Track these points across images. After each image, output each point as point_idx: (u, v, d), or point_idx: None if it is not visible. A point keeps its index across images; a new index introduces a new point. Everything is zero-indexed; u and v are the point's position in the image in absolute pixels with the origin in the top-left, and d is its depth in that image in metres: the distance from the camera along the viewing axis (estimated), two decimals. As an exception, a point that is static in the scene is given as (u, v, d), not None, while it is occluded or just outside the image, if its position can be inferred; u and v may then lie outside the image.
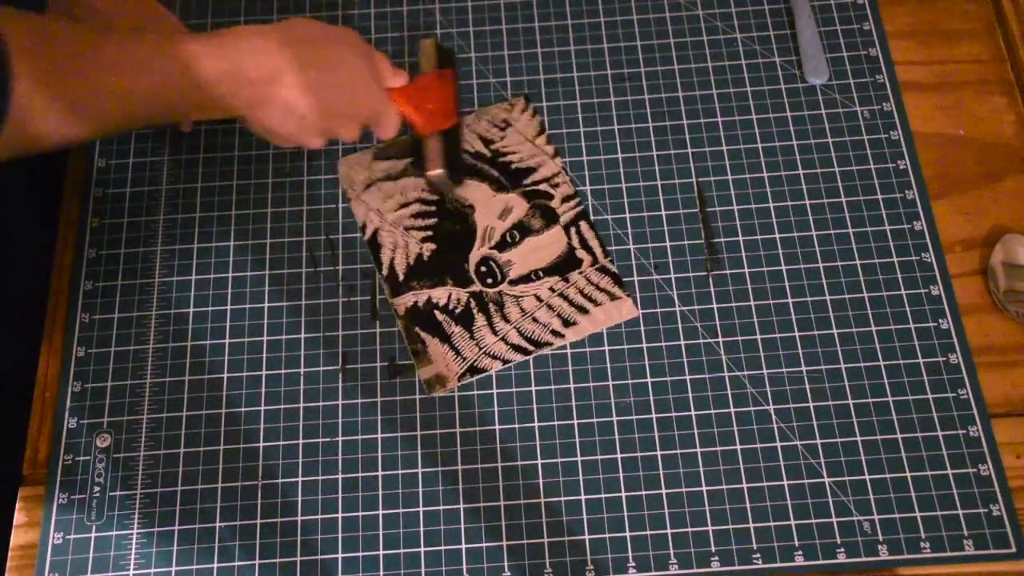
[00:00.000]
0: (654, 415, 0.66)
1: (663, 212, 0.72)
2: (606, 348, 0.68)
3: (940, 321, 0.68)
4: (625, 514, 0.63)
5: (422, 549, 0.63)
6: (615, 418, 0.66)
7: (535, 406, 0.66)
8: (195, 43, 0.58)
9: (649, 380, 0.67)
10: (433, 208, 0.72)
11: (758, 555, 0.62)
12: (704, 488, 0.64)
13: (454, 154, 0.70)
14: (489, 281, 0.70)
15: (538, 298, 0.69)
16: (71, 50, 0.54)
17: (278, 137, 0.64)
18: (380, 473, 0.65)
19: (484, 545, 0.63)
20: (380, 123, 0.67)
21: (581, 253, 0.71)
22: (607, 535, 0.63)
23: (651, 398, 0.66)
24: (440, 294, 0.70)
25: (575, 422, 0.66)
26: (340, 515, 0.64)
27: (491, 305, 0.69)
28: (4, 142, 0.52)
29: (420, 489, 0.64)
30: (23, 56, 0.51)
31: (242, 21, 0.80)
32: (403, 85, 0.67)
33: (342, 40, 0.64)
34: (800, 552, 0.62)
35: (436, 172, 0.68)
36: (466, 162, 0.73)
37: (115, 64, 0.56)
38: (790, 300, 0.69)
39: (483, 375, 0.67)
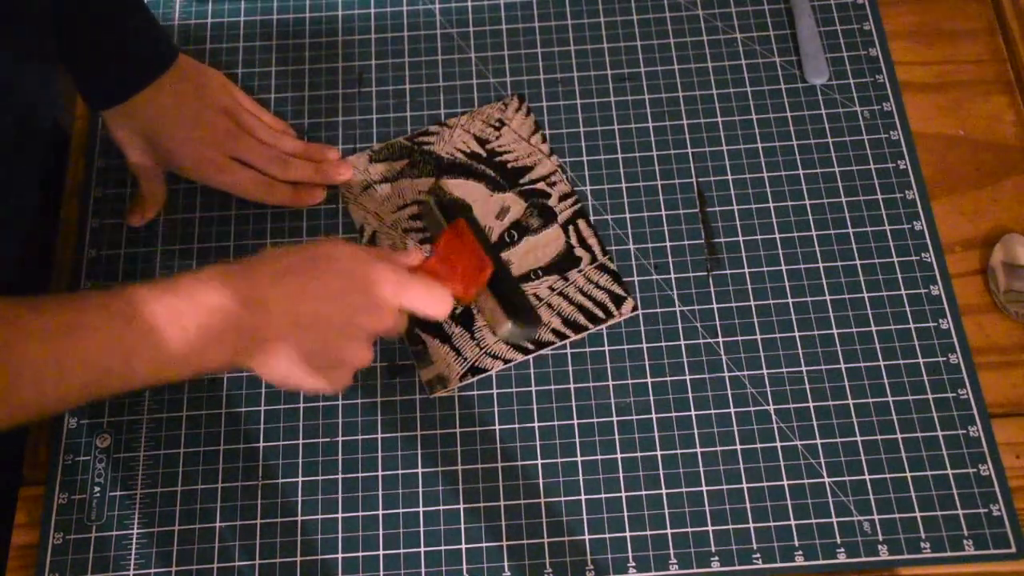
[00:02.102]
0: (654, 415, 0.66)
1: (663, 212, 0.72)
2: (606, 348, 0.68)
3: (940, 321, 0.68)
4: (625, 514, 0.63)
5: (422, 549, 0.63)
6: (615, 418, 0.66)
7: (535, 406, 0.66)
8: (138, 297, 0.51)
9: (649, 380, 0.67)
10: (433, 208, 0.72)
11: (758, 555, 0.62)
12: (704, 488, 0.64)
13: (513, 298, 0.63)
14: (489, 281, 0.70)
15: (538, 297, 0.69)
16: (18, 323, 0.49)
17: (290, 385, 0.57)
18: (380, 473, 0.65)
19: (484, 545, 0.63)
20: (421, 312, 0.58)
21: (580, 251, 0.71)
22: (607, 535, 0.63)
23: (651, 398, 0.66)
24: (440, 294, 0.69)
25: (575, 422, 0.66)
26: (340, 515, 0.64)
27: (491, 305, 0.69)
28: None
29: (420, 489, 0.64)
30: None
31: (242, 22, 0.80)
32: (422, 261, 0.60)
33: (331, 259, 0.55)
34: (800, 552, 0.62)
35: (505, 328, 0.61)
36: (529, 302, 0.65)
37: (44, 339, 0.49)
38: (790, 300, 0.69)
39: (484, 375, 0.67)
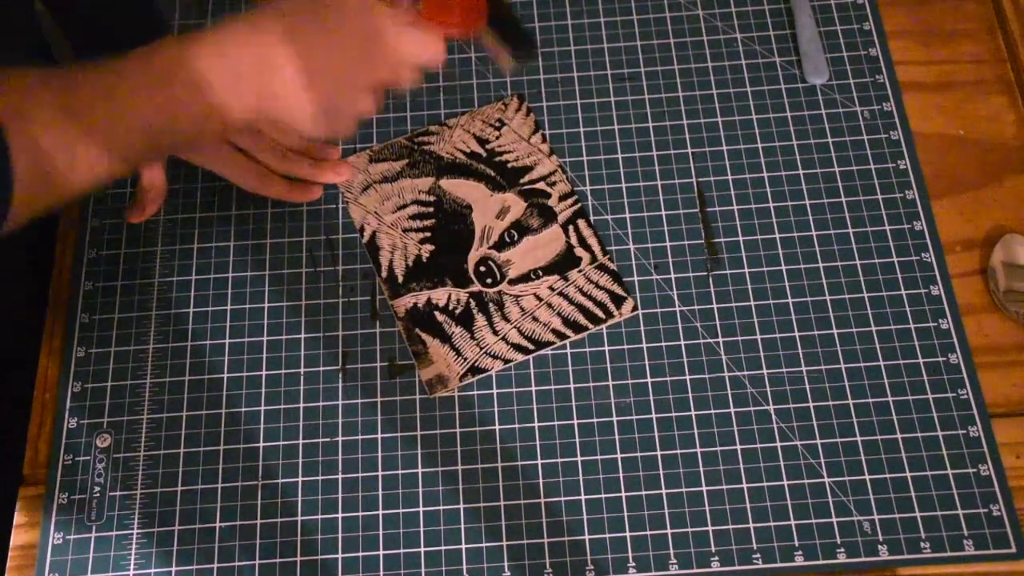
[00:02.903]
0: (654, 415, 0.66)
1: (663, 212, 0.72)
2: (606, 348, 0.68)
3: (940, 321, 0.68)
4: (625, 514, 0.63)
5: (422, 549, 0.63)
6: (615, 418, 0.66)
7: (535, 406, 0.66)
8: (188, 43, 0.54)
9: (649, 380, 0.67)
10: (431, 209, 0.72)
11: (758, 555, 0.62)
12: (704, 488, 0.64)
13: (513, 30, 0.63)
14: (488, 281, 0.70)
15: (538, 297, 0.69)
16: (55, 98, 0.50)
17: (302, 125, 0.58)
18: (380, 473, 0.65)
19: (484, 545, 0.63)
20: (413, 59, 0.59)
21: (580, 251, 0.71)
22: (607, 535, 0.63)
23: (651, 398, 0.66)
24: (440, 295, 0.70)
25: (575, 422, 0.66)
26: (340, 515, 0.64)
27: (491, 305, 0.69)
28: (19, 206, 0.49)
29: (420, 489, 0.64)
30: (16, 114, 0.48)
31: (242, 21, 0.80)
32: (419, 8, 0.61)
33: (339, 10, 0.58)
34: (800, 552, 0.62)
35: (508, 61, 0.62)
36: (525, 32, 0.65)
37: (113, 90, 0.52)
38: (790, 300, 0.69)
39: (484, 375, 0.67)
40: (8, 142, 0.47)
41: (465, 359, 0.67)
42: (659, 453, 0.65)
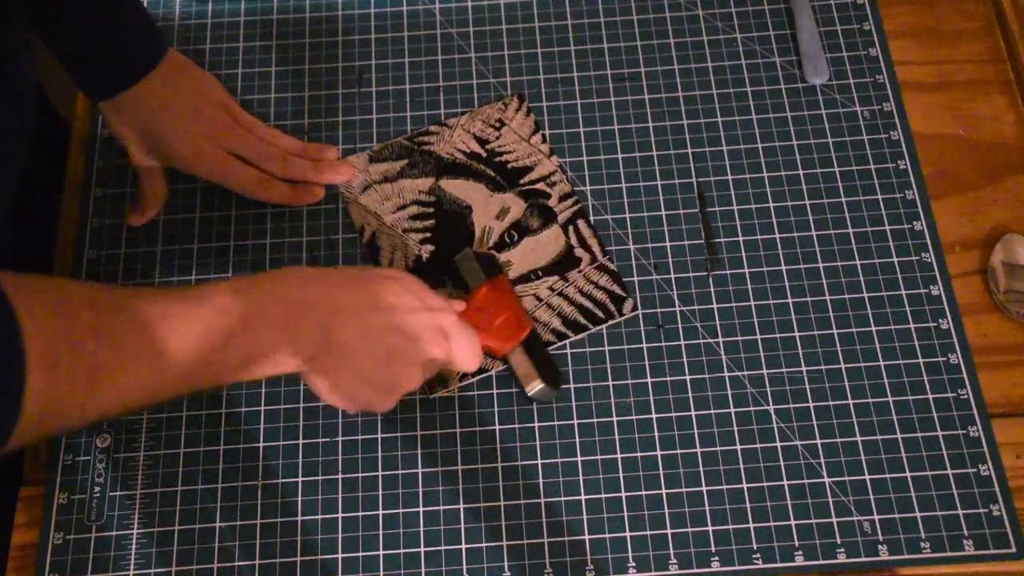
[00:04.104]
0: (654, 415, 0.66)
1: (663, 212, 0.72)
2: (606, 348, 0.68)
3: (940, 321, 0.68)
4: (625, 514, 0.63)
5: (422, 549, 0.63)
6: (615, 418, 0.66)
7: (535, 406, 0.66)
8: (228, 289, 0.53)
9: (649, 380, 0.67)
10: (431, 210, 0.72)
11: (758, 555, 0.62)
12: (704, 488, 0.64)
13: (544, 360, 0.66)
14: (489, 281, 0.70)
15: (538, 298, 0.69)
16: (91, 319, 0.47)
17: (344, 400, 0.58)
18: (380, 473, 0.65)
19: (484, 545, 0.63)
20: (457, 361, 0.60)
21: (580, 252, 0.71)
22: (607, 535, 0.63)
23: (651, 398, 0.66)
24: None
25: (575, 422, 0.66)
26: (340, 515, 0.64)
27: (491, 305, 0.69)
28: (21, 434, 0.45)
29: (420, 489, 0.64)
30: (38, 336, 0.44)
31: (242, 22, 0.80)
32: (460, 311, 0.62)
33: (397, 280, 0.58)
34: (800, 552, 0.62)
35: (535, 387, 0.65)
36: (556, 367, 0.66)
37: (144, 326, 0.49)
38: (790, 300, 0.69)
39: (484, 375, 0.67)
40: (25, 351, 0.44)
41: (465, 359, 0.67)
42: (659, 453, 0.65)
